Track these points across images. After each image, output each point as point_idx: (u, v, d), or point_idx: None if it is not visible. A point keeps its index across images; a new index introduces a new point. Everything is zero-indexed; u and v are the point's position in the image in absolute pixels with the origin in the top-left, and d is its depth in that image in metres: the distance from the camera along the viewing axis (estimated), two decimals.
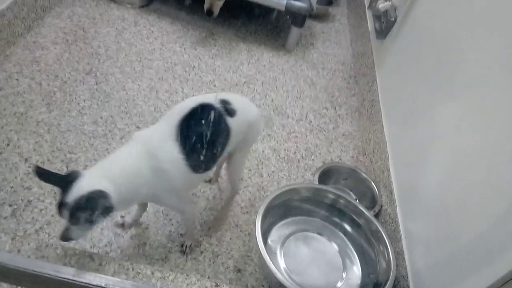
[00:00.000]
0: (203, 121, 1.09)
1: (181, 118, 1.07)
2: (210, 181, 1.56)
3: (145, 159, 1.02)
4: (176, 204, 1.18)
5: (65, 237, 0.97)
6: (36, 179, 1.38)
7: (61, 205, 0.92)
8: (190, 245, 1.34)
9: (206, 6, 2.14)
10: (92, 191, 0.92)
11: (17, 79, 1.73)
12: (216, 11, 2.15)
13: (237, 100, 1.19)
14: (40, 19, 2.06)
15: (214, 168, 1.29)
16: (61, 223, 0.98)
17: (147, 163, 1.02)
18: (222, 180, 1.60)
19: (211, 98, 1.14)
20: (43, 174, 0.94)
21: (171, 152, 1.04)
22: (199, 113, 1.09)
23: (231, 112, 1.13)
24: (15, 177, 1.39)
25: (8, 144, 1.48)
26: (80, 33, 2.08)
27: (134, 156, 1.03)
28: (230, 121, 1.13)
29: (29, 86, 1.72)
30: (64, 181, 0.93)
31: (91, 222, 0.94)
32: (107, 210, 0.94)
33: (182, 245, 1.35)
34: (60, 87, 1.76)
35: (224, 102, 1.13)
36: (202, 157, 1.09)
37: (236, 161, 1.31)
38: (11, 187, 1.36)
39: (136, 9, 2.39)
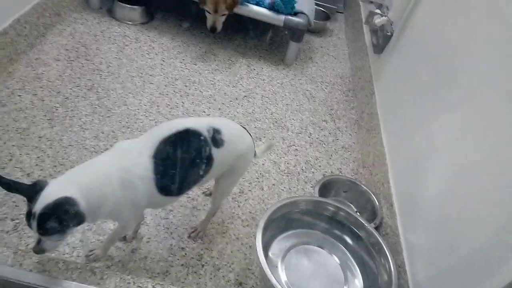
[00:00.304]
0: (184, 148, 1.06)
1: (164, 138, 1.05)
2: (210, 194, 1.56)
3: (117, 170, 1.00)
4: (127, 218, 1.12)
5: (38, 250, 0.95)
6: None
7: (28, 216, 0.89)
8: (97, 255, 1.26)
9: (209, 23, 2.20)
10: (58, 198, 0.88)
11: (19, 96, 1.75)
12: (219, 27, 2.22)
13: (229, 130, 1.16)
14: (42, 37, 2.09)
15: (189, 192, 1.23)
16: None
17: (119, 174, 0.99)
18: None
19: (202, 124, 1.11)
20: (6, 184, 0.90)
21: (144, 170, 1.01)
22: (183, 138, 1.07)
23: (218, 143, 1.11)
24: None
25: (10, 159, 1.49)
26: (82, 50, 2.11)
27: (107, 166, 1.00)
28: (215, 152, 1.10)
29: (31, 102, 1.74)
30: (30, 191, 0.90)
31: (61, 231, 0.91)
32: (77, 217, 0.90)
33: (90, 251, 1.26)
34: (62, 103, 1.78)
35: (215, 131, 1.11)
36: (173, 183, 1.06)
37: (221, 187, 1.30)
38: (13, 202, 1.36)
39: (137, 26, 2.43)
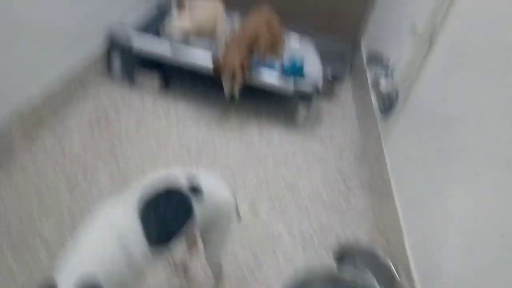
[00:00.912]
0: (168, 207, 1.10)
1: (146, 200, 1.08)
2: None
3: (116, 241, 1.00)
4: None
5: None
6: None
7: None
8: None
9: (227, 93, 2.32)
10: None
11: (42, 162, 1.82)
12: (237, 95, 2.33)
13: (209, 185, 1.19)
14: (67, 107, 2.21)
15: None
16: None
17: (118, 244, 1.00)
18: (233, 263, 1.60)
19: (182, 180, 1.15)
20: None
21: (135, 233, 1.03)
22: (165, 198, 1.11)
23: (198, 198, 1.14)
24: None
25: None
26: (103, 117, 2.21)
27: (108, 242, 1.00)
28: (196, 206, 1.14)
29: (53, 169, 1.80)
30: None
31: None
32: None
33: None
34: (82, 171, 1.84)
35: (194, 187, 1.14)
36: (162, 242, 1.09)
37: (208, 246, 1.31)
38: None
39: (155, 93, 2.56)
